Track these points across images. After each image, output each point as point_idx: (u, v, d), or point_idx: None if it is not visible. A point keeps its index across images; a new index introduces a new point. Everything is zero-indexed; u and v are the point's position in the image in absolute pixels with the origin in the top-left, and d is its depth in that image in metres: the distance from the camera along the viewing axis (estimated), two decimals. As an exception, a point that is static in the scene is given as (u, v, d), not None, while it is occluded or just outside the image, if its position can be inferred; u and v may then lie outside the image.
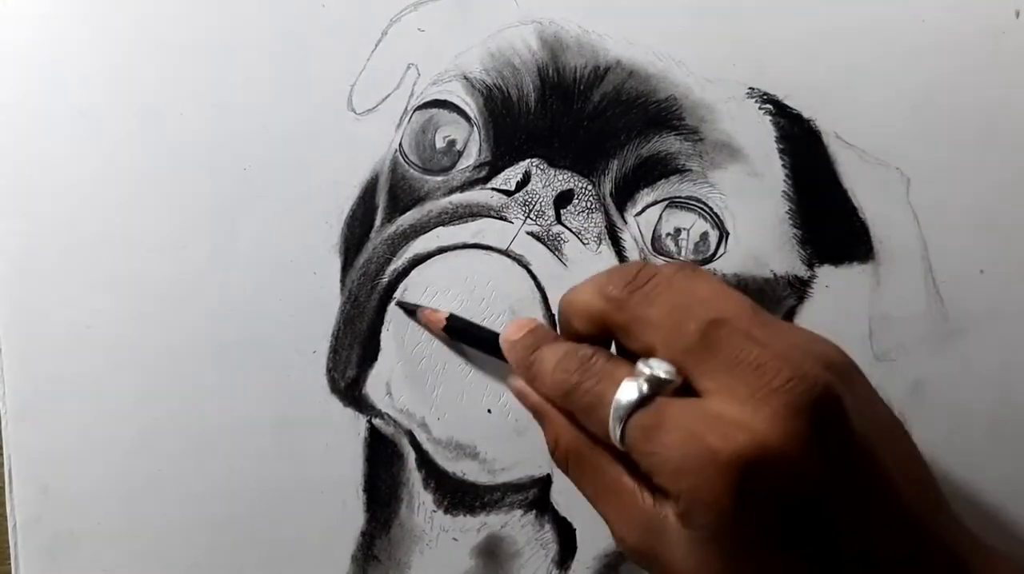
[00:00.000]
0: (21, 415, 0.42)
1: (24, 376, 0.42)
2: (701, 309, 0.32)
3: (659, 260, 0.42)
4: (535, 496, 0.43)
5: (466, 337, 0.41)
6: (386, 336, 0.42)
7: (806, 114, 0.43)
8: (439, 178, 0.43)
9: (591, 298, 0.34)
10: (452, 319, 0.41)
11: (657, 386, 0.31)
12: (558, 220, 0.42)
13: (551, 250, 0.42)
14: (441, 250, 0.42)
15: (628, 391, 0.31)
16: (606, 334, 0.34)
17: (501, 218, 0.42)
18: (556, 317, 0.38)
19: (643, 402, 0.30)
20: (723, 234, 0.43)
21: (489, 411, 0.42)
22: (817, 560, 0.29)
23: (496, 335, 0.39)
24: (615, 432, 0.31)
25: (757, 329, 0.31)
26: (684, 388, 0.31)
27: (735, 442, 0.28)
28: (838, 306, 0.43)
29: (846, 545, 0.29)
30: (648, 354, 0.32)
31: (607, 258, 0.42)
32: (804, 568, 0.29)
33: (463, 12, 0.43)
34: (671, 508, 0.30)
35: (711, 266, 0.42)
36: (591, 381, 0.33)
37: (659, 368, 0.31)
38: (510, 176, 0.43)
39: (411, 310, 0.42)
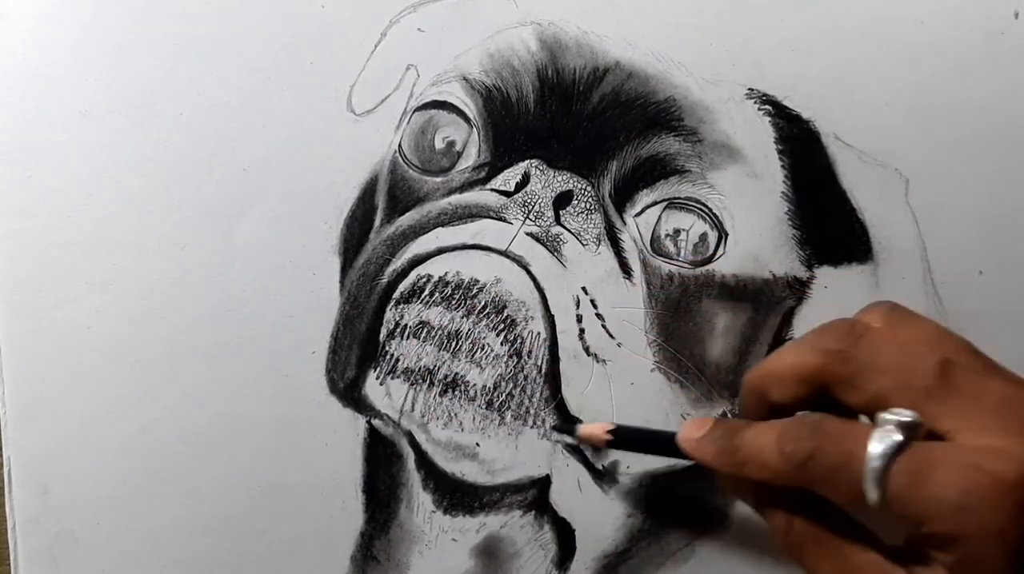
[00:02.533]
0: (21, 415, 0.42)
1: (24, 376, 0.42)
2: (929, 350, 0.31)
3: (658, 261, 0.42)
4: (534, 497, 0.43)
5: (633, 444, 0.41)
6: (385, 336, 0.42)
7: (805, 115, 0.43)
8: (438, 179, 0.43)
9: (804, 357, 0.33)
10: (617, 430, 0.40)
11: (911, 431, 0.30)
12: (557, 221, 0.42)
13: (550, 251, 0.42)
14: (440, 251, 0.42)
15: (881, 441, 0.30)
16: (816, 397, 0.33)
17: (500, 219, 0.42)
18: (740, 397, 0.37)
19: (899, 450, 0.30)
20: (722, 235, 0.43)
21: (488, 410, 0.42)
22: None
23: (669, 435, 0.38)
24: (873, 487, 0.30)
25: (984, 364, 0.31)
26: (931, 434, 0.30)
27: (1019, 466, 0.28)
28: (837, 307, 0.43)
29: None
30: (879, 404, 0.31)
31: (606, 259, 0.42)
32: None
33: (463, 13, 0.43)
34: (939, 569, 0.30)
35: (710, 267, 0.42)
36: (831, 443, 0.31)
37: (906, 415, 0.30)
38: (509, 177, 0.43)
39: (568, 430, 0.42)
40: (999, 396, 0.30)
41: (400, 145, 0.43)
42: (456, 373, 0.42)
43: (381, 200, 0.43)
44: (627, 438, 0.40)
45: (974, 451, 0.29)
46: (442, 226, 0.42)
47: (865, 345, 0.32)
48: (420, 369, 0.42)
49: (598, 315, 0.42)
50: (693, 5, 0.43)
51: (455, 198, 0.43)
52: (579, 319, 0.42)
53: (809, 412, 0.33)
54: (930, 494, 0.29)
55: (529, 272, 0.42)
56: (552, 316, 0.42)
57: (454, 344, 0.42)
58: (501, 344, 0.42)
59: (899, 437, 0.30)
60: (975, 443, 0.29)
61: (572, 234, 0.42)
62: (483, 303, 0.42)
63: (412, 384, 0.42)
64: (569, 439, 0.42)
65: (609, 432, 0.40)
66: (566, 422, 0.42)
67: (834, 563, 0.32)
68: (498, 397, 0.42)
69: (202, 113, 0.42)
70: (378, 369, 0.42)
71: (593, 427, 0.41)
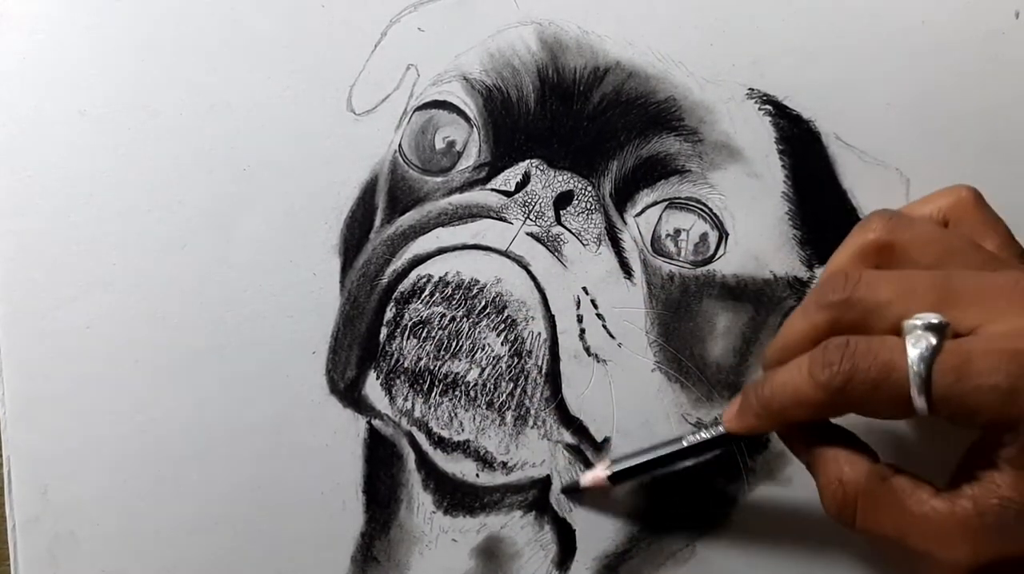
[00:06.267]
0: (21, 415, 0.42)
1: (24, 376, 0.42)
2: (923, 262, 0.32)
3: (658, 261, 0.42)
4: (534, 497, 0.43)
5: (638, 472, 0.41)
6: (385, 337, 0.42)
7: (805, 115, 0.43)
8: (439, 179, 0.43)
9: (812, 318, 0.33)
10: (614, 473, 0.41)
11: (941, 331, 0.30)
12: (558, 221, 0.42)
13: (551, 251, 0.42)
14: (441, 251, 0.42)
15: (916, 345, 0.30)
16: None
17: (501, 219, 0.42)
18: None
19: (936, 351, 0.29)
20: (723, 235, 0.43)
21: (488, 410, 0.42)
22: None
23: (664, 445, 0.39)
24: (919, 393, 0.29)
25: (982, 259, 0.32)
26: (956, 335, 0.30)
27: None
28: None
29: None
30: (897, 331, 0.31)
31: (606, 259, 0.42)
32: None
33: (463, 13, 0.43)
34: (1005, 471, 0.29)
35: (710, 267, 0.42)
36: (866, 359, 0.31)
37: (929, 318, 0.30)
38: (510, 177, 0.43)
39: (574, 490, 0.42)
40: (1004, 284, 0.30)
41: (400, 145, 0.43)
42: (456, 373, 0.42)
43: (381, 200, 0.43)
44: (628, 473, 0.41)
45: (1005, 336, 0.29)
46: (442, 226, 0.42)
47: (863, 286, 0.32)
48: (420, 369, 0.42)
49: (598, 315, 0.42)
50: (694, 5, 0.43)
51: (455, 198, 0.43)
52: (579, 319, 0.42)
53: (832, 338, 0.32)
54: (976, 386, 0.29)
55: (529, 272, 0.42)
56: (552, 316, 0.42)
57: (454, 344, 0.42)
58: (501, 344, 0.42)
59: (933, 338, 0.30)
60: (1002, 329, 0.29)
61: (572, 234, 0.42)
62: (483, 303, 0.42)
63: (412, 384, 0.42)
64: (577, 498, 0.42)
65: (609, 480, 0.41)
66: (570, 487, 0.42)
67: (893, 516, 0.31)
68: (498, 397, 0.42)
69: (202, 113, 0.42)
70: (378, 369, 0.42)
71: (595, 474, 0.41)
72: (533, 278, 0.42)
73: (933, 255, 0.33)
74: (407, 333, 0.42)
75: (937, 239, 0.34)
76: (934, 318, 0.30)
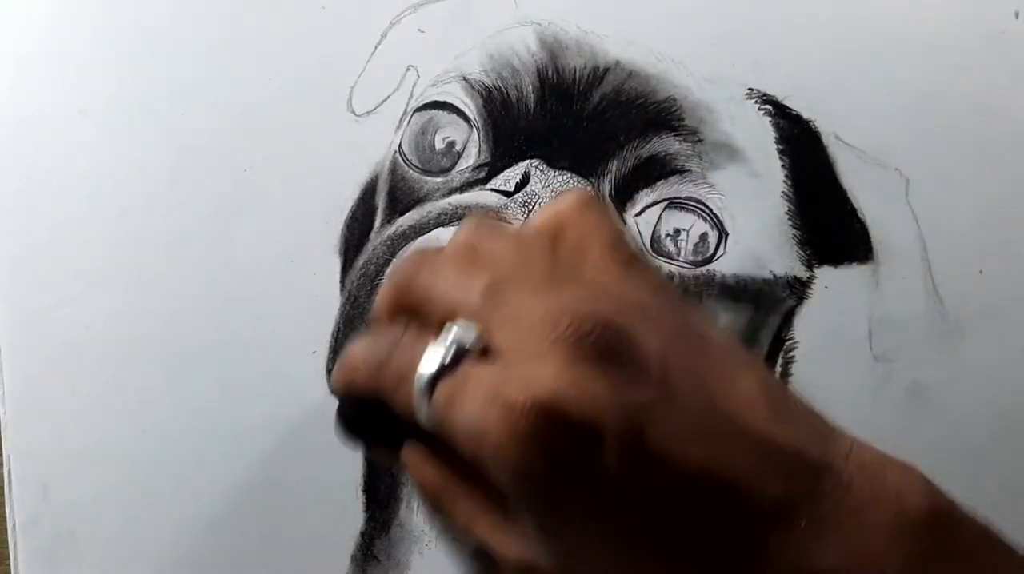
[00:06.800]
0: (21, 415, 0.42)
1: (24, 376, 0.42)
2: (489, 268, 0.30)
3: (658, 261, 0.42)
4: (534, 497, 0.43)
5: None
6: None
7: (805, 115, 0.43)
8: (438, 179, 0.43)
9: (384, 292, 0.33)
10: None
11: (461, 351, 0.28)
12: (557, 221, 0.42)
13: (550, 251, 0.42)
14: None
15: (431, 359, 0.28)
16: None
17: (501, 219, 0.42)
18: None
19: (448, 369, 0.28)
20: (722, 235, 0.43)
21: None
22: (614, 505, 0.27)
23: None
24: (421, 407, 0.29)
25: (548, 278, 0.30)
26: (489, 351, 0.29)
27: (529, 391, 0.26)
28: (838, 307, 0.43)
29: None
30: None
31: (606, 259, 0.42)
32: (607, 516, 0.27)
33: (463, 13, 0.43)
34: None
35: (710, 267, 0.42)
36: (401, 352, 0.30)
37: (464, 330, 0.29)
38: (509, 177, 0.43)
39: None
40: (541, 312, 0.28)
41: (400, 145, 0.43)
42: (456, 373, 0.42)
43: (381, 200, 0.43)
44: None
45: (505, 375, 0.27)
46: (442, 226, 0.42)
47: (426, 272, 0.31)
48: (420, 369, 0.42)
49: (598, 315, 0.42)
50: (694, 4, 0.43)
51: (455, 198, 0.43)
52: (579, 319, 0.42)
53: (392, 323, 0.32)
54: (457, 418, 0.27)
55: (529, 272, 0.42)
56: (552, 316, 0.42)
57: (454, 344, 0.42)
58: (501, 344, 0.42)
59: (451, 352, 0.28)
60: (510, 366, 0.28)
61: (572, 234, 0.42)
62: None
63: (412, 384, 0.42)
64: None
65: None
66: None
67: (463, 512, 0.31)
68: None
69: (202, 113, 0.42)
70: (378, 369, 0.42)
71: None
72: (533, 278, 0.42)
73: (507, 263, 0.30)
74: (407, 333, 0.42)
75: (512, 246, 0.31)
76: (467, 330, 0.29)
